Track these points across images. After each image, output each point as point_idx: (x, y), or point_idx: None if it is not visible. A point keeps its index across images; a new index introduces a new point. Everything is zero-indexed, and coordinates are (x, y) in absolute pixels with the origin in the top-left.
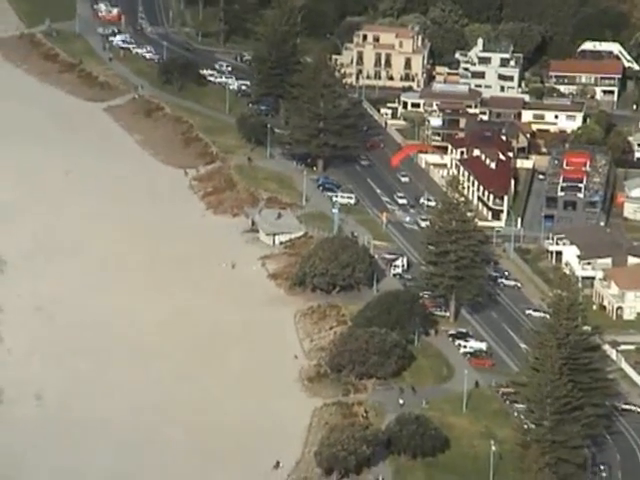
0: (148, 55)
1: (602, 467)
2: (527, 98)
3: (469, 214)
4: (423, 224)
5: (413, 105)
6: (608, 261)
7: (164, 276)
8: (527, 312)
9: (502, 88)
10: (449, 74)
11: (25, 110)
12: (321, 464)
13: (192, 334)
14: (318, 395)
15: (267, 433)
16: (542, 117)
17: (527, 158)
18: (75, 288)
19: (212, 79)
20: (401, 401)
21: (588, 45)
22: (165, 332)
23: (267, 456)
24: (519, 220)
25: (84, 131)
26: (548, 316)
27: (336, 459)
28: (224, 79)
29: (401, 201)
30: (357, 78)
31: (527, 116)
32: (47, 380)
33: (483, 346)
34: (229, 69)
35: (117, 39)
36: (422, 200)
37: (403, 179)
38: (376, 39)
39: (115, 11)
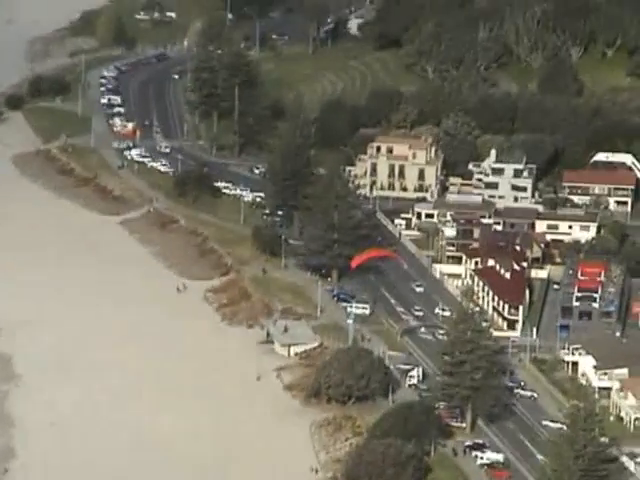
0: (163, 168)
1: None
2: (541, 208)
3: (484, 324)
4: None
5: (427, 215)
6: (625, 371)
7: (180, 389)
8: (544, 423)
9: (515, 198)
10: (462, 185)
11: (40, 225)
12: None
13: (208, 446)
14: None
15: None
16: (556, 227)
17: (542, 268)
18: (91, 403)
19: (227, 191)
20: None
21: (601, 156)
22: (183, 443)
23: None
24: (534, 330)
25: (99, 244)
26: (565, 427)
27: None
28: (239, 191)
29: (417, 313)
30: (371, 189)
31: (541, 226)
32: None
33: (500, 457)
34: (167, 150)
35: (132, 153)
36: (437, 310)
37: (418, 289)
38: (390, 150)
39: (130, 126)
